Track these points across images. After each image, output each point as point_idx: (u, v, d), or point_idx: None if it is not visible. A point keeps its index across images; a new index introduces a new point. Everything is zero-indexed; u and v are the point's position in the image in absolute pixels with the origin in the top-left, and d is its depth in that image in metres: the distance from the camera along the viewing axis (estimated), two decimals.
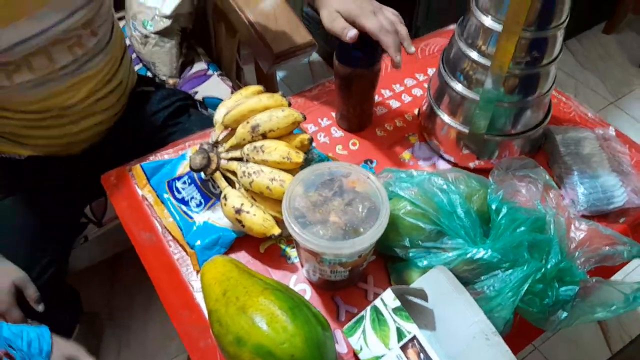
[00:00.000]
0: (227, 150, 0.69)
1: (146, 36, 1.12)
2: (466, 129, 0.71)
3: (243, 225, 0.63)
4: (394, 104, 0.85)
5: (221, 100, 1.10)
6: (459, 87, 0.69)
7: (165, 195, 0.71)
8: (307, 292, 0.63)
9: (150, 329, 1.27)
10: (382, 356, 0.52)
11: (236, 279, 0.55)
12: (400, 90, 0.87)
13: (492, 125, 0.69)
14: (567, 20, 0.63)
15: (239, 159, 0.68)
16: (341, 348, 0.59)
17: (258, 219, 0.63)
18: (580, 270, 0.60)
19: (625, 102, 1.85)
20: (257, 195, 0.64)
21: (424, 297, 0.56)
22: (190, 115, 0.97)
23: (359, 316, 0.56)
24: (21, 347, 0.65)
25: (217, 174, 0.68)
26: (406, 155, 0.78)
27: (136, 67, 1.17)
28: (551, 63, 0.66)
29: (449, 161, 0.76)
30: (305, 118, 0.68)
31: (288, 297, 0.52)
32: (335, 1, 0.67)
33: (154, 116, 0.95)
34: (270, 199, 0.63)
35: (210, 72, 1.16)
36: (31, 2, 0.67)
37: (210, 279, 0.57)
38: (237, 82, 1.21)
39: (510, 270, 0.55)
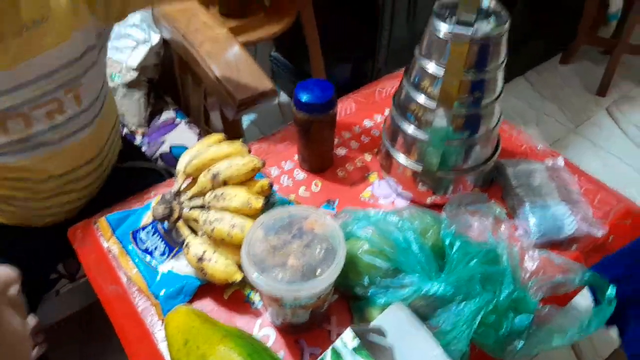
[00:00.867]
0: (190, 199, 0.70)
1: (114, 88, 1.15)
2: (420, 167, 0.74)
3: (205, 274, 0.64)
4: (354, 145, 0.88)
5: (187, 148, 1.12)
6: (410, 128, 0.73)
7: (130, 246, 0.72)
8: (272, 337, 0.64)
9: None
10: None
11: (197, 328, 0.56)
12: (359, 132, 0.90)
13: (444, 162, 0.72)
14: (505, 61, 0.68)
15: (202, 207, 0.69)
16: None
17: (220, 266, 0.64)
18: (534, 299, 0.62)
19: (585, 128, 1.93)
20: (219, 242, 0.65)
21: (383, 335, 0.57)
22: None
23: (319, 359, 0.57)
24: None
25: (180, 223, 0.70)
26: (366, 193, 0.81)
27: None
28: (494, 101, 0.70)
29: (407, 198, 0.79)
30: (264, 164, 0.70)
31: (247, 343, 0.53)
32: None
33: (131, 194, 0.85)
34: (231, 245, 0.65)
35: (177, 119, 1.18)
36: (14, 53, 0.66)
37: (174, 328, 0.58)
38: (206, 127, 1.24)
39: (463, 303, 0.57)
